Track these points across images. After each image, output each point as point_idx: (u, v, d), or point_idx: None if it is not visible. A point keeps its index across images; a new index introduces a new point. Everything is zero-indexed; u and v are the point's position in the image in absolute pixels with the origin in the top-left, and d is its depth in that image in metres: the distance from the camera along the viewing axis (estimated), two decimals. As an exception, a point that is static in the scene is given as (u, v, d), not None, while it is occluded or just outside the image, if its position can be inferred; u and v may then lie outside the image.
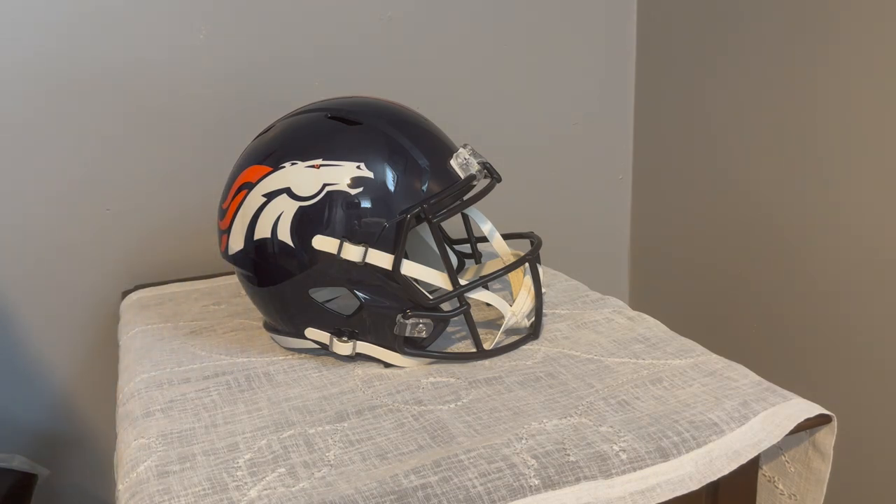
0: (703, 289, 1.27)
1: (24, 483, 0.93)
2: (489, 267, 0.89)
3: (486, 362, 0.75)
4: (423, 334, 0.73)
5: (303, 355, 0.78)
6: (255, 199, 0.72)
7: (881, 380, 0.98)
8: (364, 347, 0.74)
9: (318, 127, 0.73)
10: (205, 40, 1.05)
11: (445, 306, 0.74)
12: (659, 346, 0.75)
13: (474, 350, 0.75)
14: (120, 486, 0.59)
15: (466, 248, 0.95)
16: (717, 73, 1.17)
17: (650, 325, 0.80)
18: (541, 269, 0.81)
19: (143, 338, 0.85)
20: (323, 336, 0.75)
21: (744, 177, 1.15)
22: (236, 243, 0.74)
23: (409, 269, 0.71)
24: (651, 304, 1.40)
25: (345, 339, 0.74)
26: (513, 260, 0.82)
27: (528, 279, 0.79)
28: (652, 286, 1.41)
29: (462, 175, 0.74)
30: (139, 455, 0.61)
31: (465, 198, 0.76)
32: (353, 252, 0.69)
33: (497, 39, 1.23)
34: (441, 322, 0.74)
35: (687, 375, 0.69)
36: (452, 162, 0.74)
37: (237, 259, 0.75)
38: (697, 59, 1.20)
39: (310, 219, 0.70)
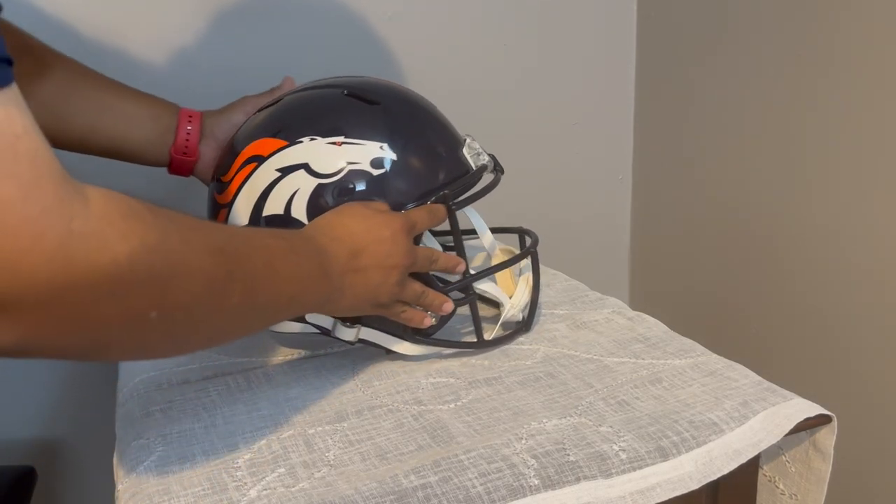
0: (703, 289, 1.27)
1: (23, 482, 0.93)
2: (476, 260, 0.89)
3: (486, 362, 0.75)
4: (434, 321, 0.72)
5: (303, 355, 0.78)
6: (266, 173, 0.68)
7: (881, 380, 0.98)
8: (368, 333, 0.72)
9: (337, 103, 0.70)
10: (204, 40, 1.05)
11: (453, 295, 0.74)
12: (659, 345, 0.75)
13: (475, 340, 0.75)
14: (119, 486, 0.59)
15: (448, 240, 0.94)
16: (717, 73, 1.17)
17: (650, 325, 0.80)
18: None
19: (143, 338, 0.85)
20: (325, 320, 0.71)
21: (744, 177, 1.15)
22: (239, 218, 0.70)
23: None
24: (651, 304, 1.40)
25: (348, 323, 0.71)
26: (502, 255, 0.83)
27: (529, 274, 0.80)
28: (652, 286, 1.41)
29: (474, 165, 0.74)
30: (139, 455, 0.61)
31: (479, 188, 0.75)
32: None
33: (497, 39, 1.23)
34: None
35: (687, 375, 0.69)
36: (464, 151, 0.74)
37: None
38: (697, 59, 1.20)
39: (327, 197, 0.67)
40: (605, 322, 0.81)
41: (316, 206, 0.67)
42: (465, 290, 0.74)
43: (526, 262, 0.82)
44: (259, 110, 0.74)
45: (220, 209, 0.72)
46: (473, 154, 0.74)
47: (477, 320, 0.75)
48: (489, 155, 0.76)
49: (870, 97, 0.93)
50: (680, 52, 1.23)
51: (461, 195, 0.72)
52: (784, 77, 1.05)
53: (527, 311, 0.80)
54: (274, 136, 0.69)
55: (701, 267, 1.27)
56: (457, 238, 0.73)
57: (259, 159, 0.69)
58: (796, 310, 1.09)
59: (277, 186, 0.68)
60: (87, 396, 1.09)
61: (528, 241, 0.82)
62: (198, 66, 1.06)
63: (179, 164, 0.81)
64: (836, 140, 0.99)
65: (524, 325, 0.80)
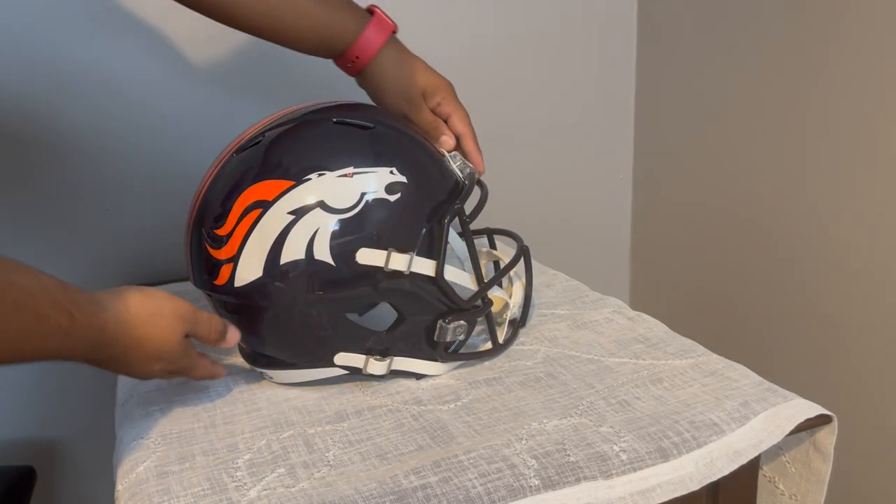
0: (703, 289, 1.27)
1: (23, 482, 0.93)
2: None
3: (486, 362, 0.75)
4: (462, 336, 0.72)
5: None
6: (277, 217, 0.64)
7: (881, 380, 0.98)
8: (399, 363, 0.71)
9: (332, 133, 0.67)
10: (203, 40, 1.05)
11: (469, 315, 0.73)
12: (659, 346, 0.75)
13: (490, 347, 0.75)
14: (119, 487, 0.59)
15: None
16: (718, 73, 1.17)
17: (650, 325, 0.80)
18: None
19: (143, 338, 0.85)
20: (356, 359, 0.69)
21: (744, 176, 1.15)
22: (250, 272, 0.65)
23: (447, 272, 0.69)
24: (651, 304, 1.40)
25: (378, 357, 0.69)
26: (487, 257, 0.84)
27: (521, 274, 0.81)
28: (652, 286, 1.41)
29: (462, 176, 0.74)
30: (138, 455, 0.61)
31: (479, 199, 0.76)
32: (400, 262, 0.65)
33: (497, 39, 1.23)
34: (474, 321, 0.72)
35: (687, 375, 0.69)
36: (449, 164, 0.74)
37: (250, 290, 0.65)
38: (698, 59, 1.20)
39: (351, 232, 0.64)
40: (606, 322, 0.81)
41: (340, 243, 0.64)
42: (482, 299, 0.74)
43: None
44: (237, 152, 0.68)
45: (220, 265, 0.66)
46: (459, 164, 0.74)
47: (492, 327, 0.75)
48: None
49: (870, 96, 0.93)
50: (680, 52, 1.23)
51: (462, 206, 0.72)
52: (784, 76, 1.05)
53: (520, 308, 0.81)
54: (274, 177, 0.65)
55: (701, 267, 1.27)
56: (471, 248, 0.73)
57: (264, 204, 0.64)
58: (796, 310, 1.09)
59: (294, 230, 0.63)
60: (87, 397, 1.09)
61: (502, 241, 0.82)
62: (196, 68, 1.06)
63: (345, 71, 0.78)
64: (836, 139, 0.99)
65: (521, 322, 0.81)
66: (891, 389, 0.96)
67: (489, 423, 0.63)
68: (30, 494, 0.93)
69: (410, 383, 0.71)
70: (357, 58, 0.75)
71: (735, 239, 1.18)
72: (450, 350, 0.73)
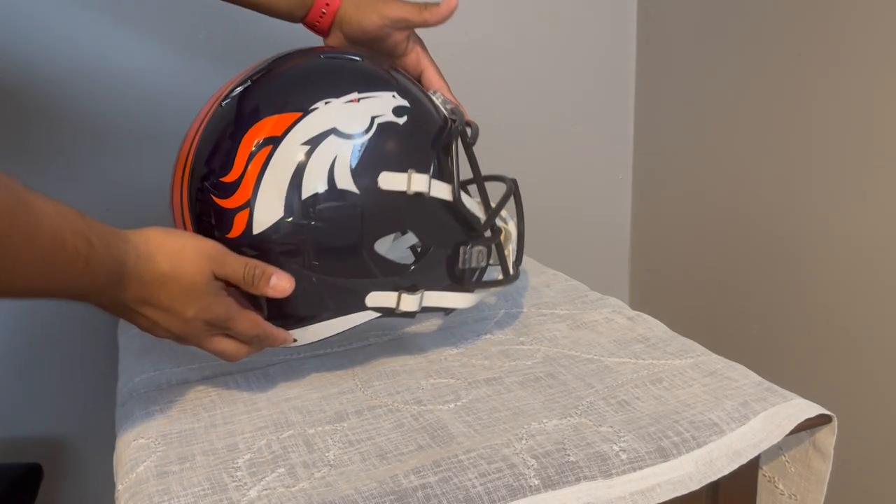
0: (703, 289, 1.27)
1: (29, 478, 0.93)
2: None
3: (486, 362, 0.75)
4: (483, 262, 0.71)
5: (302, 355, 0.78)
6: (291, 151, 0.61)
7: (881, 380, 0.98)
8: (429, 297, 0.68)
9: (327, 66, 0.66)
10: (204, 40, 1.05)
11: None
12: (659, 346, 0.75)
13: (501, 277, 0.75)
14: (119, 487, 0.59)
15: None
16: (718, 73, 1.17)
17: (650, 325, 0.80)
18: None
19: (143, 338, 0.85)
20: (387, 298, 0.66)
21: (744, 177, 1.15)
22: (270, 213, 0.61)
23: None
24: (651, 304, 1.40)
25: (408, 292, 0.67)
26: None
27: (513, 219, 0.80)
28: (652, 286, 1.41)
29: (445, 111, 0.72)
30: (139, 455, 0.61)
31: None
32: (421, 182, 0.64)
33: (497, 39, 1.23)
34: (491, 247, 0.72)
35: (687, 375, 0.69)
36: (434, 98, 0.73)
37: (273, 233, 0.61)
38: (697, 59, 1.20)
39: (370, 155, 0.62)
40: (606, 322, 0.81)
41: (362, 168, 0.62)
42: (492, 228, 0.73)
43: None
44: (224, 99, 0.65)
45: (233, 215, 0.62)
46: (441, 101, 0.73)
47: (502, 255, 0.74)
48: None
49: (870, 96, 0.93)
50: (680, 52, 1.23)
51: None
52: (784, 76, 1.05)
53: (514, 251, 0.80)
54: (278, 112, 0.62)
55: (701, 267, 1.27)
56: (477, 173, 0.72)
57: (274, 140, 0.61)
58: (796, 309, 1.09)
59: (311, 161, 0.61)
60: (93, 395, 1.09)
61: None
62: (196, 67, 1.06)
63: (313, 30, 0.77)
64: (836, 139, 0.99)
65: (517, 260, 0.77)
66: (891, 389, 0.96)
67: (489, 423, 0.63)
68: (36, 491, 0.93)
69: (411, 383, 0.71)
70: (327, 4, 0.74)
71: (735, 239, 1.18)
72: (480, 279, 0.72)
